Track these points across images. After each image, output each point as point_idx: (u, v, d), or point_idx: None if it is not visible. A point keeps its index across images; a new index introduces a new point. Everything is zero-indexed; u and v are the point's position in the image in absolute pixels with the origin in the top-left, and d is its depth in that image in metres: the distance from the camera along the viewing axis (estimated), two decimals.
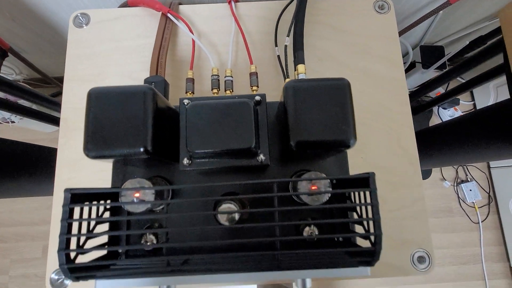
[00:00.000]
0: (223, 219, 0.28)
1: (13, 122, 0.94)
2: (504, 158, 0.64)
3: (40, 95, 0.77)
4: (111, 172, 0.34)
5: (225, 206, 0.28)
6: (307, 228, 0.32)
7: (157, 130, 0.26)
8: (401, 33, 0.84)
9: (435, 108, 1.18)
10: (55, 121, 0.87)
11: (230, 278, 0.30)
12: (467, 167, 1.14)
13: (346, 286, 1.04)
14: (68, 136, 0.43)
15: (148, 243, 0.31)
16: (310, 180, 0.26)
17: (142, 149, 0.25)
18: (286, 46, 0.41)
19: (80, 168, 0.41)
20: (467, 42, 0.84)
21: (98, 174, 0.41)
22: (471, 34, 0.93)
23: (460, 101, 1.11)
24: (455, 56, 0.92)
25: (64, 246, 0.23)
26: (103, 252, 0.28)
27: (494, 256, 1.07)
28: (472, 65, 0.72)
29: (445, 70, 0.84)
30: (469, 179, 1.12)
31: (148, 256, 0.31)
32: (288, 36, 0.41)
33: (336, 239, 0.31)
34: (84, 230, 0.26)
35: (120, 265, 0.27)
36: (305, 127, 0.25)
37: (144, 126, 0.25)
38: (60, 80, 0.93)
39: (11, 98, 0.85)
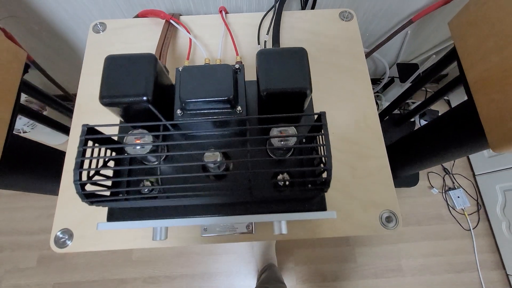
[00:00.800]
0: (208, 159, 0.34)
1: (25, 132, 1.02)
2: (470, 152, 0.70)
3: (62, 103, 0.87)
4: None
5: (209, 153, 0.34)
6: (279, 176, 0.38)
7: (157, 86, 0.33)
8: (374, 50, 0.96)
9: (417, 121, 1.26)
10: (68, 131, 0.95)
11: (211, 220, 0.35)
12: (453, 175, 1.19)
13: None
14: (81, 117, 0.50)
15: (146, 190, 0.37)
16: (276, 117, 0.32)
17: (144, 98, 0.32)
18: (265, 41, 0.50)
19: None
20: (434, 56, 0.95)
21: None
22: (440, 52, 1.05)
23: (440, 113, 1.20)
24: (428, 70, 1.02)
25: (79, 166, 0.29)
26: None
27: (489, 264, 1.07)
28: (435, 73, 0.81)
29: (414, 82, 0.94)
30: (456, 187, 1.16)
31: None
32: (267, 34, 0.51)
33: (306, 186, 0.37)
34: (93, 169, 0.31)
35: (123, 201, 0.33)
36: (272, 80, 0.32)
37: (147, 80, 0.32)
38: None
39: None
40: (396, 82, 1.14)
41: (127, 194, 0.36)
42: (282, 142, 0.34)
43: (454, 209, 1.13)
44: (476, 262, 1.07)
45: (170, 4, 0.71)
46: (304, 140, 0.39)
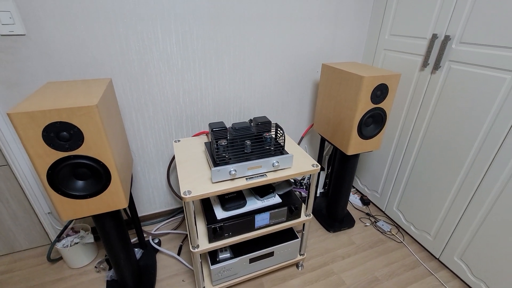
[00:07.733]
0: (248, 144, 1.07)
1: (66, 246, 1.35)
2: (350, 163, 1.50)
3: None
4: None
5: (248, 141, 1.08)
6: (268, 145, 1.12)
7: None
8: None
9: None
10: None
11: (251, 161, 1.04)
12: (374, 216, 1.85)
13: None
14: (180, 165, 1.15)
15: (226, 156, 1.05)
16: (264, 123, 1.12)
17: (225, 127, 1.09)
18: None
19: (196, 180, 1.11)
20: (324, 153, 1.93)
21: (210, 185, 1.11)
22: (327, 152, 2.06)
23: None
24: None
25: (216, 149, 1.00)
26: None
27: (425, 258, 1.54)
28: (322, 151, 1.75)
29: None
30: (377, 220, 1.80)
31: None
32: None
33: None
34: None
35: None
36: (259, 121, 1.15)
37: (223, 125, 1.11)
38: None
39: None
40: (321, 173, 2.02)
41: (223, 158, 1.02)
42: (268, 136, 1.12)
43: (386, 233, 1.70)
44: (418, 260, 1.53)
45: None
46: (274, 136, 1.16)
